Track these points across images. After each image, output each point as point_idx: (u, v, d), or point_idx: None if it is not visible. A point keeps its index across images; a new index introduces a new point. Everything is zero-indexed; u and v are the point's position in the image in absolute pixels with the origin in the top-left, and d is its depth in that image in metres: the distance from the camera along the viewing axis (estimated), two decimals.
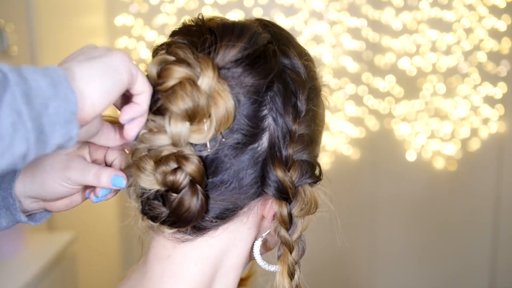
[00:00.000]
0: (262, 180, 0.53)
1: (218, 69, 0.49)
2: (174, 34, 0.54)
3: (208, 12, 2.25)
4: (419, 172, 2.46)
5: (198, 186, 0.50)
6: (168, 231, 0.53)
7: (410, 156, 2.45)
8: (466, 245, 2.53)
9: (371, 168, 2.49)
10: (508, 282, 2.53)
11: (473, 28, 2.36)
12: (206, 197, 0.51)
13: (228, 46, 0.50)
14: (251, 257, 0.59)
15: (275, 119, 0.52)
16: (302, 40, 2.37)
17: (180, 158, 0.49)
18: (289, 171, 0.52)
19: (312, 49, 2.37)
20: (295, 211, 0.53)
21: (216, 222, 0.54)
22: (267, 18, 2.26)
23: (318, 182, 0.56)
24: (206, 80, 0.48)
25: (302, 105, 0.53)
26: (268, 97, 0.52)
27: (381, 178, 2.50)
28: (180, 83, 0.47)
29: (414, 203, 2.51)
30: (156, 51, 0.53)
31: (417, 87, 2.41)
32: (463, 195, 2.48)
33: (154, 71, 0.49)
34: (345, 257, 2.59)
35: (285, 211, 0.53)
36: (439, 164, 2.46)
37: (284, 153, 0.52)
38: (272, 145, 0.52)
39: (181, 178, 0.49)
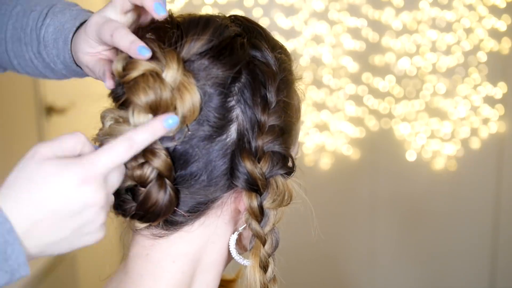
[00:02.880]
0: (231, 173, 0.52)
1: (183, 62, 0.49)
2: (143, 29, 0.54)
3: (208, 13, 2.24)
4: (419, 172, 2.46)
5: (166, 180, 0.50)
6: (139, 225, 0.54)
7: (410, 156, 2.45)
8: (466, 245, 2.53)
9: (371, 168, 2.49)
10: (508, 282, 2.53)
11: (473, 28, 2.36)
12: (175, 191, 0.51)
13: (193, 39, 0.50)
14: (232, 255, 0.59)
15: (243, 111, 0.52)
16: (302, 40, 2.37)
17: (147, 152, 0.49)
18: (259, 163, 0.52)
19: (312, 49, 2.37)
20: (266, 203, 0.53)
21: (189, 216, 0.54)
22: (267, 18, 2.24)
23: (292, 174, 0.55)
24: (171, 72, 0.48)
25: (271, 96, 0.53)
26: (236, 88, 0.52)
27: (381, 178, 2.49)
28: (143, 75, 0.48)
29: (413, 203, 2.51)
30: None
31: (417, 87, 2.41)
32: (463, 195, 2.48)
33: (119, 66, 0.49)
34: (344, 257, 2.59)
35: (255, 203, 0.52)
36: (439, 164, 2.45)
37: (253, 144, 0.52)
38: (240, 137, 0.52)
39: (148, 172, 0.49)
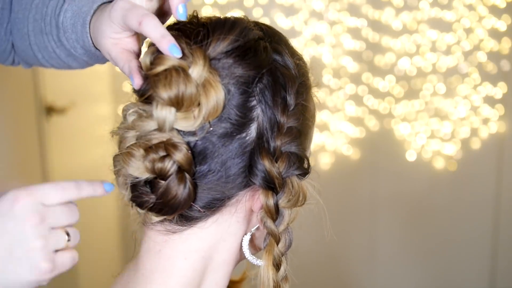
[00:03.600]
0: (249, 170, 0.54)
1: (209, 59, 0.51)
2: (169, 28, 0.55)
3: (208, 12, 2.25)
4: (419, 172, 2.46)
5: (186, 174, 0.51)
6: (155, 218, 0.54)
7: (410, 156, 2.45)
8: (466, 245, 2.53)
9: (371, 168, 2.49)
10: (508, 282, 2.53)
11: (473, 28, 2.36)
12: (194, 185, 0.52)
13: (219, 38, 0.52)
14: (242, 255, 0.59)
15: (264, 111, 0.53)
16: (302, 40, 2.37)
17: (168, 146, 0.50)
18: (276, 162, 0.53)
19: (312, 49, 2.38)
20: (282, 202, 0.54)
21: (204, 212, 0.54)
22: (267, 18, 2.24)
23: (307, 175, 0.57)
24: (197, 69, 0.49)
25: (291, 98, 0.54)
26: (258, 88, 0.53)
27: (381, 178, 2.50)
28: (167, 70, 0.49)
29: (414, 203, 2.51)
30: (151, 43, 0.54)
31: (417, 87, 2.41)
32: (463, 195, 2.48)
33: (147, 60, 0.51)
34: (344, 257, 2.59)
35: (271, 202, 0.54)
36: (439, 164, 2.46)
37: (272, 144, 0.53)
38: (260, 136, 0.53)
39: (169, 165, 0.50)
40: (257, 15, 2.33)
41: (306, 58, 0.63)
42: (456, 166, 2.45)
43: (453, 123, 2.42)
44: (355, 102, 2.42)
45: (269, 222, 0.54)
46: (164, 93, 0.48)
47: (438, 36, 2.37)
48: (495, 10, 2.35)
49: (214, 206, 0.55)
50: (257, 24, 0.58)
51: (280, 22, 2.36)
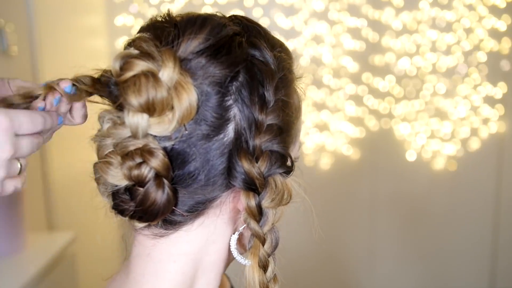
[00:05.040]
0: (228, 172, 0.52)
1: (180, 60, 0.49)
2: (142, 29, 0.54)
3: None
4: (419, 172, 2.46)
5: (164, 180, 0.50)
6: (138, 225, 0.54)
7: (410, 156, 2.45)
8: (466, 245, 2.53)
9: (371, 168, 2.49)
10: (508, 282, 2.53)
11: (473, 28, 2.36)
12: (174, 190, 0.51)
13: (190, 37, 0.50)
14: (232, 255, 0.58)
15: (241, 110, 0.51)
16: (302, 40, 2.37)
17: (144, 152, 0.49)
18: (257, 162, 0.52)
19: (312, 49, 2.37)
20: (265, 202, 0.53)
21: (188, 215, 0.54)
22: (267, 18, 2.24)
23: (291, 173, 0.55)
24: (167, 71, 0.48)
25: (269, 95, 0.52)
26: (234, 87, 0.51)
27: (381, 178, 2.50)
28: (136, 76, 0.47)
29: (414, 203, 2.51)
30: (125, 48, 0.54)
31: (417, 87, 2.41)
32: (463, 195, 2.48)
33: (117, 65, 0.49)
34: (344, 256, 2.59)
35: (253, 203, 0.52)
36: (439, 164, 2.45)
37: (251, 143, 0.52)
38: (238, 136, 0.52)
39: (146, 171, 0.49)
40: (257, 15, 2.33)
41: (289, 46, 0.60)
42: (456, 166, 2.45)
43: (453, 123, 2.42)
44: (355, 102, 2.42)
45: (253, 223, 0.53)
46: (134, 100, 0.47)
47: (438, 36, 2.37)
48: (495, 10, 2.35)
49: (198, 209, 0.54)
50: (235, 18, 0.57)
51: (280, 22, 2.36)
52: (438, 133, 2.44)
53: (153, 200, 0.50)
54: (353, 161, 2.47)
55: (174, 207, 0.52)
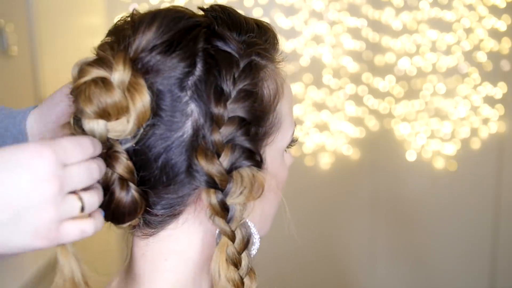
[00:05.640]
0: (186, 171, 0.51)
1: (133, 61, 0.48)
2: (107, 34, 0.54)
3: None
4: (419, 172, 2.46)
5: (129, 182, 0.50)
6: (121, 226, 0.53)
7: (410, 156, 2.45)
8: (466, 245, 2.53)
9: (371, 168, 2.49)
10: (508, 282, 2.53)
11: (473, 28, 2.36)
12: (140, 192, 0.50)
13: (140, 35, 0.49)
14: None
15: (198, 105, 0.50)
16: (302, 40, 2.37)
17: (108, 158, 0.49)
18: (219, 157, 0.50)
19: (312, 49, 2.37)
20: (230, 198, 0.51)
21: (165, 215, 0.54)
22: (267, 18, 2.23)
23: (261, 164, 0.53)
24: (117, 75, 0.47)
25: (228, 86, 0.50)
26: (189, 82, 0.50)
27: (381, 178, 2.49)
28: (86, 83, 0.47)
29: (414, 203, 2.51)
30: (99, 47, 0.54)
31: (417, 87, 2.41)
32: (463, 195, 2.48)
33: (75, 72, 0.49)
34: (344, 257, 2.59)
35: (214, 200, 0.51)
36: (439, 164, 2.45)
37: (209, 139, 0.50)
38: (196, 133, 0.50)
39: (109, 175, 0.49)
40: (257, 15, 2.33)
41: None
42: (456, 166, 2.45)
43: (453, 123, 2.42)
44: (355, 102, 2.42)
45: (217, 220, 0.51)
46: (86, 108, 0.46)
47: (438, 36, 2.37)
48: (495, 10, 2.34)
49: (174, 207, 0.53)
50: (212, 8, 0.56)
51: (280, 22, 2.36)
52: (438, 133, 2.43)
53: (117, 202, 0.50)
54: (353, 161, 2.47)
55: (148, 208, 0.52)
